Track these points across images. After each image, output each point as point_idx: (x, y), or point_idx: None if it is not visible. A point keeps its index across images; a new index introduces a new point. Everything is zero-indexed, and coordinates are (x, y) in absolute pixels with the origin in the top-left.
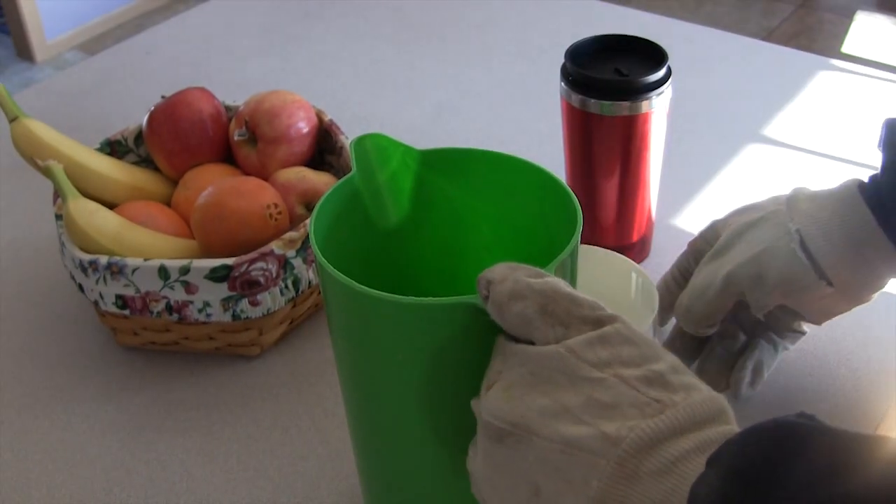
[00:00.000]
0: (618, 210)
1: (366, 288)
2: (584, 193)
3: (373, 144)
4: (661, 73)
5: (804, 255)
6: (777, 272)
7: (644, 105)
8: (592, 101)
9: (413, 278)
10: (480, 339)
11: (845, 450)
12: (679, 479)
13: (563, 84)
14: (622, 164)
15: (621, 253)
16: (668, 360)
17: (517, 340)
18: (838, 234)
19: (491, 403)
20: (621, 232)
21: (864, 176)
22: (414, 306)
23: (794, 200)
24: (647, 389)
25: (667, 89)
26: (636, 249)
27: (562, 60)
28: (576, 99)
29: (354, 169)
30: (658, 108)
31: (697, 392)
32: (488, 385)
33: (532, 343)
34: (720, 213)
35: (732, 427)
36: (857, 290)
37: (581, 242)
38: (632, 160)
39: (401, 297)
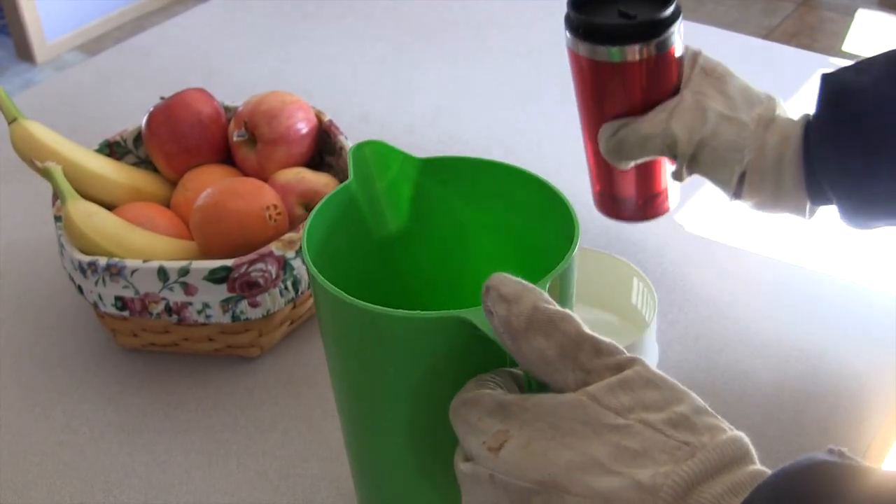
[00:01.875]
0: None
1: (354, 299)
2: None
3: (372, 151)
4: (670, 9)
5: (736, 180)
6: (712, 175)
7: (657, 46)
8: (601, 48)
9: (412, 288)
10: (475, 352)
11: (878, 490)
12: None
13: (568, 34)
14: (641, 112)
15: (648, 205)
16: (690, 401)
17: (513, 388)
18: (772, 183)
19: (509, 463)
20: (644, 183)
21: None
22: (405, 319)
23: (763, 125)
24: (674, 433)
25: (678, 27)
26: (661, 199)
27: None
28: (584, 48)
29: (352, 176)
30: (674, 49)
31: (721, 432)
32: (494, 445)
33: (541, 382)
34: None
35: (759, 468)
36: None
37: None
38: (650, 106)
39: (393, 310)
